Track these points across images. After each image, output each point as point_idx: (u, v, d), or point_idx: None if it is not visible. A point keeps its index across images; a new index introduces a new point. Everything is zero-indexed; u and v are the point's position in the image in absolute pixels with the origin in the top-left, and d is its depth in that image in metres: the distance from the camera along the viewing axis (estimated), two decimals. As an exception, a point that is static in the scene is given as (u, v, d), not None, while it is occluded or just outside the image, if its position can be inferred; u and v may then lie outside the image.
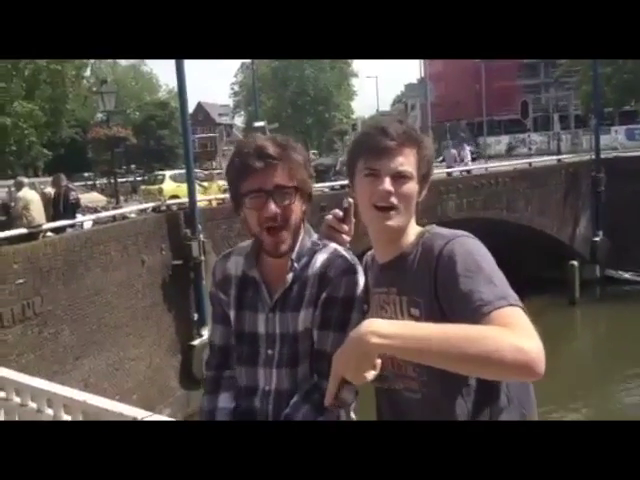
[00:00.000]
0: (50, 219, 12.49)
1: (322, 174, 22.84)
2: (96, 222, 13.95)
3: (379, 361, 1.40)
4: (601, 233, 21.42)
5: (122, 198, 24.51)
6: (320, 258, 1.81)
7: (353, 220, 1.93)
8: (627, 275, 21.00)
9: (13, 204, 12.52)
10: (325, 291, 1.77)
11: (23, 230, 11.03)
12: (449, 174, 22.09)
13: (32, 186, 13.27)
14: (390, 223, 1.62)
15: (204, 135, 74.72)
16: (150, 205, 16.43)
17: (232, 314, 1.90)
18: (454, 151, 26.40)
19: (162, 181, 26.20)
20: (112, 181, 23.19)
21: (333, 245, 1.84)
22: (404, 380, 1.64)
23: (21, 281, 9.16)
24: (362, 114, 70.65)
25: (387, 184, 1.60)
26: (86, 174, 43.35)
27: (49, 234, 11.81)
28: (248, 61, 52.47)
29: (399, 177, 1.61)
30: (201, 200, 15.74)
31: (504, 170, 22.33)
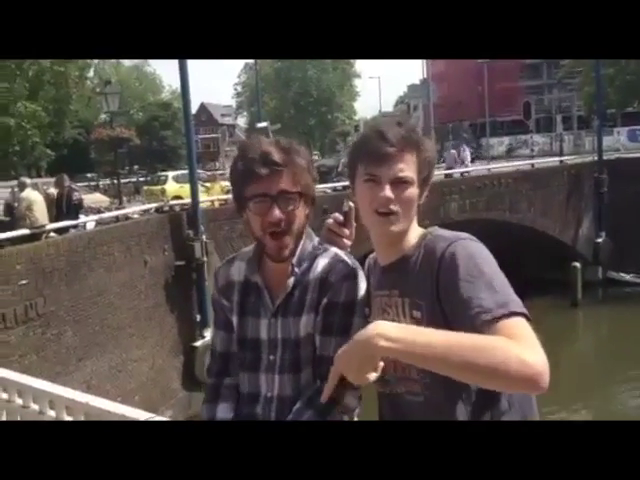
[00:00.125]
0: (53, 220, 12.50)
1: (324, 175, 22.87)
2: (99, 223, 13.97)
3: (381, 363, 1.40)
4: (603, 234, 21.38)
5: (125, 199, 24.47)
6: (321, 263, 1.80)
7: (354, 224, 1.92)
8: (628, 277, 20.95)
9: (16, 204, 12.54)
10: (326, 296, 1.76)
11: (26, 231, 11.04)
12: (447, 175, 22.08)
13: (35, 187, 13.28)
14: (391, 228, 1.62)
15: (207, 136, 74.74)
16: (153, 206, 16.45)
17: (235, 320, 1.89)
18: (454, 152, 26.39)
19: (165, 182, 26.20)
20: (115, 182, 23.16)
21: (334, 249, 1.84)
22: (406, 383, 1.63)
23: (24, 282, 9.17)
24: (364, 115, 70.72)
25: (387, 191, 1.59)
26: (89, 175, 43.34)
27: (52, 235, 11.83)
28: (251, 62, 52.59)
29: (399, 183, 1.60)
30: (204, 201, 15.74)
31: (506, 171, 22.34)
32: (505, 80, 56.21)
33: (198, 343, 13.06)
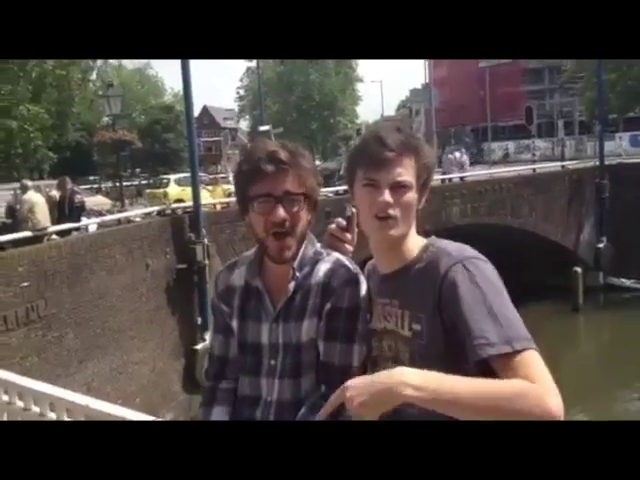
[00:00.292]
0: (55, 222, 12.51)
1: (327, 179, 22.87)
2: (101, 225, 13.95)
3: None
4: (605, 240, 21.33)
5: (127, 201, 24.54)
6: (323, 268, 1.79)
7: (356, 229, 1.91)
8: (629, 283, 20.89)
9: (19, 207, 12.56)
10: (329, 301, 1.75)
11: (28, 233, 11.05)
12: (443, 180, 22.01)
13: (37, 189, 13.31)
14: (390, 232, 1.61)
15: (209, 139, 74.78)
16: (155, 209, 16.43)
17: (235, 324, 1.88)
18: (451, 156, 26.37)
19: (167, 185, 26.24)
20: (117, 184, 23.24)
21: (335, 254, 1.83)
22: None
23: (25, 284, 9.17)
24: (367, 119, 70.63)
25: (386, 195, 1.59)
26: (91, 177, 43.40)
27: (54, 237, 11.83)
28: (254, 65, 52.63)
29: (398, 187, 1.60)
30: (206, 204, 15.75)
31: (508, 176, 22.31)
32: (507, 85, 56.29)
33: (199, 346, 13.04)
